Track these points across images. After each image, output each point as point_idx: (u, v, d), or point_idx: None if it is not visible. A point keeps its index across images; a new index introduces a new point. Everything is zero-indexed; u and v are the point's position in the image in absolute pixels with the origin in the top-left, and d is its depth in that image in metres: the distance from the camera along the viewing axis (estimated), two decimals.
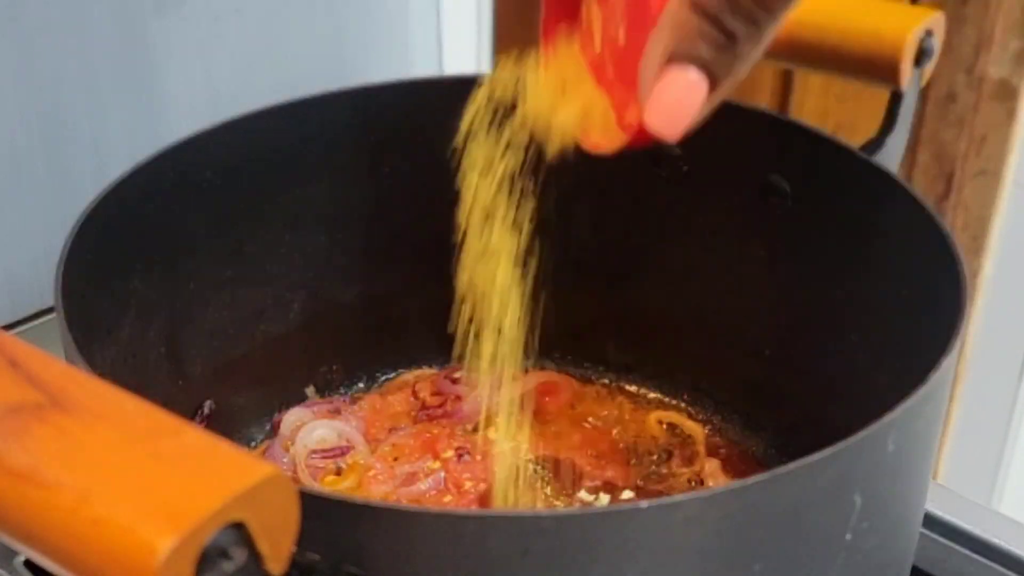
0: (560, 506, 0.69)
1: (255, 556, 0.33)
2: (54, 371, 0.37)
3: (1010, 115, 1.13)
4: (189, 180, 0.66)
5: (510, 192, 0.63)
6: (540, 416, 0.76)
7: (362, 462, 0.72)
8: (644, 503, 0.41)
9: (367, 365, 0.79)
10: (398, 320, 0.78)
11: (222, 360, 0.71)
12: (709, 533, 0.42)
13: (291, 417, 0.74)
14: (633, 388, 0.79)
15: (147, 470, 0.33)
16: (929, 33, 0.67)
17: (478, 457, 0.72)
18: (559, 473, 0.72)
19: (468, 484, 0.71)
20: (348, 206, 0.73)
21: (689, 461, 0.73)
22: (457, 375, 0.78)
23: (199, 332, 0.69)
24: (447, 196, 0.76)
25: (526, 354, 0.67)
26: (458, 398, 0.77)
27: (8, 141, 0.76)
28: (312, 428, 0.73)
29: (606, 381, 0.80)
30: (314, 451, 0.72)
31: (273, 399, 0.76)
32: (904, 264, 0.60)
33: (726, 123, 0.69)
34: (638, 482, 0.71)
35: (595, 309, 0.79)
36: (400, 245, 0.76)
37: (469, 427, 0.75)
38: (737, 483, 0.42)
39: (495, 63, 0.59)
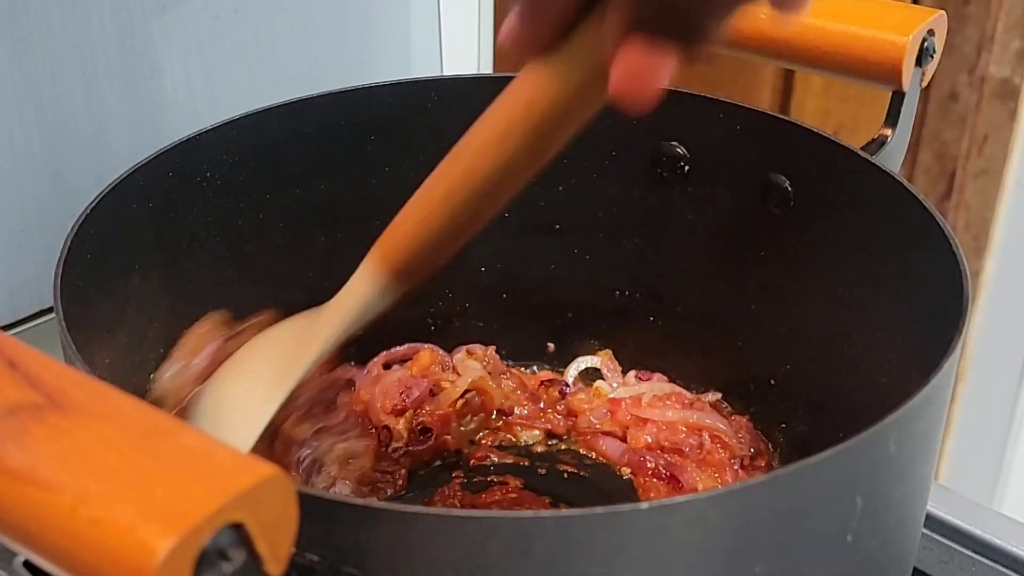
0: None
1: (254, 557, 0.33)
2: (53, 372, 0.37)
3: (1012, 115, 1.13)
4: (189, 180, 0.66)
5: None
6: None
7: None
8: (644, 504, 0.41)
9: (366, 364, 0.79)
10: (397, 319, 0.78)
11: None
12: (709, 534, 0.42)
13: None
14: None
15: (146, 471, 0.33)
16: (931, 33, 0.67)
17: None
18: None
19: None
20: (348, 206, 0.73)
21: None
22: None
23: None
24: None
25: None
26: None
27: (8, 141, 0.76)
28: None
29: None
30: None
31: None
32: (905, 264, 0.60)
33: (727, 123, 0.70)
34: None
35: (593, 308, 0.78)
36: None
37: None
38: (738, 484, 0.42)
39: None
